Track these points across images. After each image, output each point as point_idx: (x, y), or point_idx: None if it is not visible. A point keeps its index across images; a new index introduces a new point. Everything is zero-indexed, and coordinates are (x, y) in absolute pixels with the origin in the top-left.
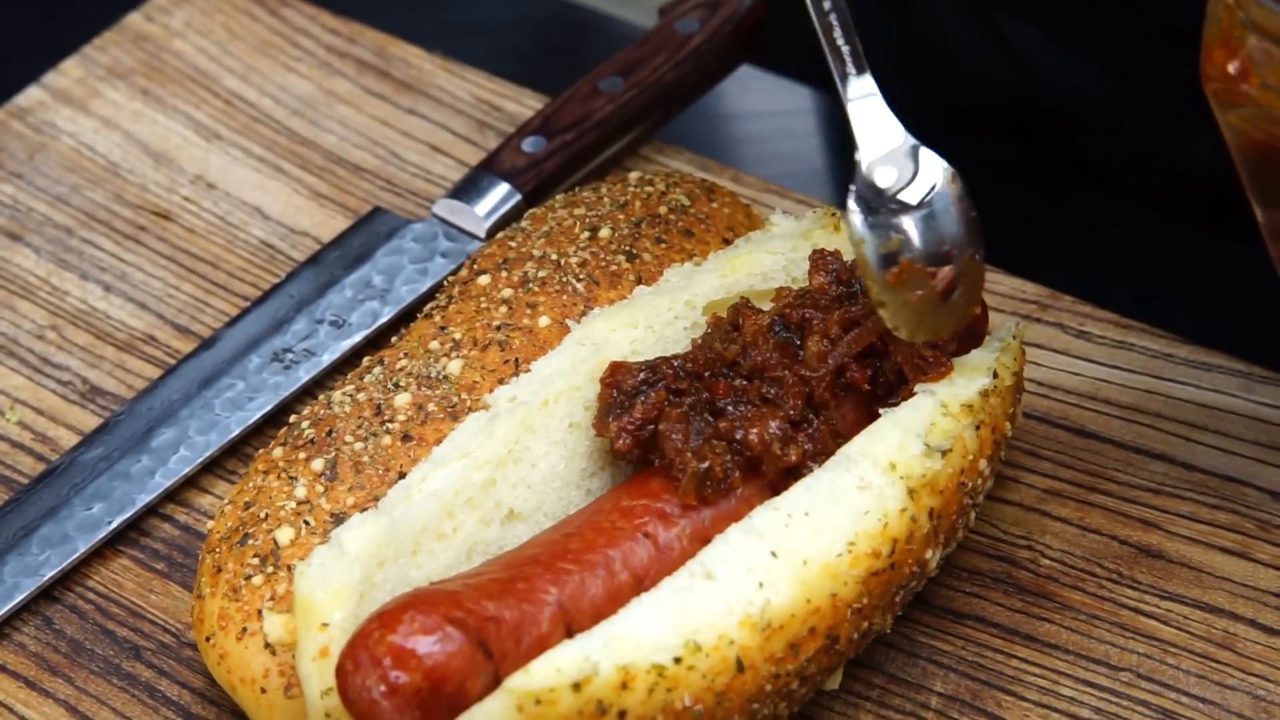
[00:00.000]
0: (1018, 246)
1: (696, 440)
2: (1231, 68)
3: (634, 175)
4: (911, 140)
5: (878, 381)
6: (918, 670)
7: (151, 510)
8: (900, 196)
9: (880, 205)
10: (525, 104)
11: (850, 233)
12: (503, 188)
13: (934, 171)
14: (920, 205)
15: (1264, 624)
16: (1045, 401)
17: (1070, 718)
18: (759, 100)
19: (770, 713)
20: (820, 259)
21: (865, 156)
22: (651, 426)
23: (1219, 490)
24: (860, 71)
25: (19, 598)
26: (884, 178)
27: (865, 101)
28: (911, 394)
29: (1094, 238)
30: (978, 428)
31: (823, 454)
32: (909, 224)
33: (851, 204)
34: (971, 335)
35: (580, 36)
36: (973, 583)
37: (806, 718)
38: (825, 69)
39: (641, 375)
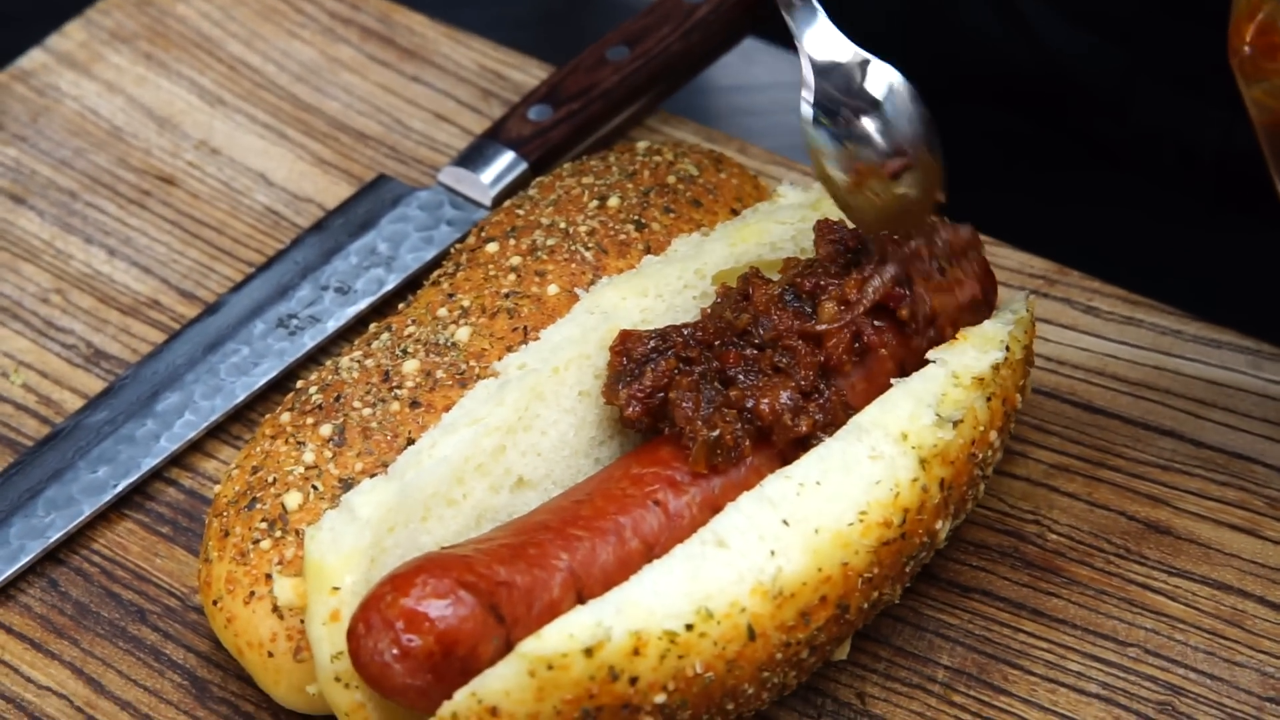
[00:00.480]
0: (1025, 222)
1: (707, 409)
2: (1260, 42)
3: (642, 145)
4: (861, 52)
5: (907, 328)
6: (924, 643)
7: (156, 474)
8: (854, 100)
9: (835, 109)
10: (530, 73)
11: (807, 141)
12: (508, 156)
13: (885, 76)
14: (874, 107)
15: (1273, 601)
16: (1053, 377)
17: (1077, 692)
18: (764, 73)
19: (780, 681)
20: (825, 228)
21: (817, 64)
22: (661, 395)
23: (1228, 467)
24: None
25: (25, 560)
26: (836, 83)
27: (811, 18)
28: (926, 360)
29: (1102, 214)
30: (989, 399)
31: (833, 425)
32: (864, 127)
33: (806, 112)
34: (983, 305)
35: (579, 6)
36: (980, 557)
37: (814, 689)
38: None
39: (651, 344)
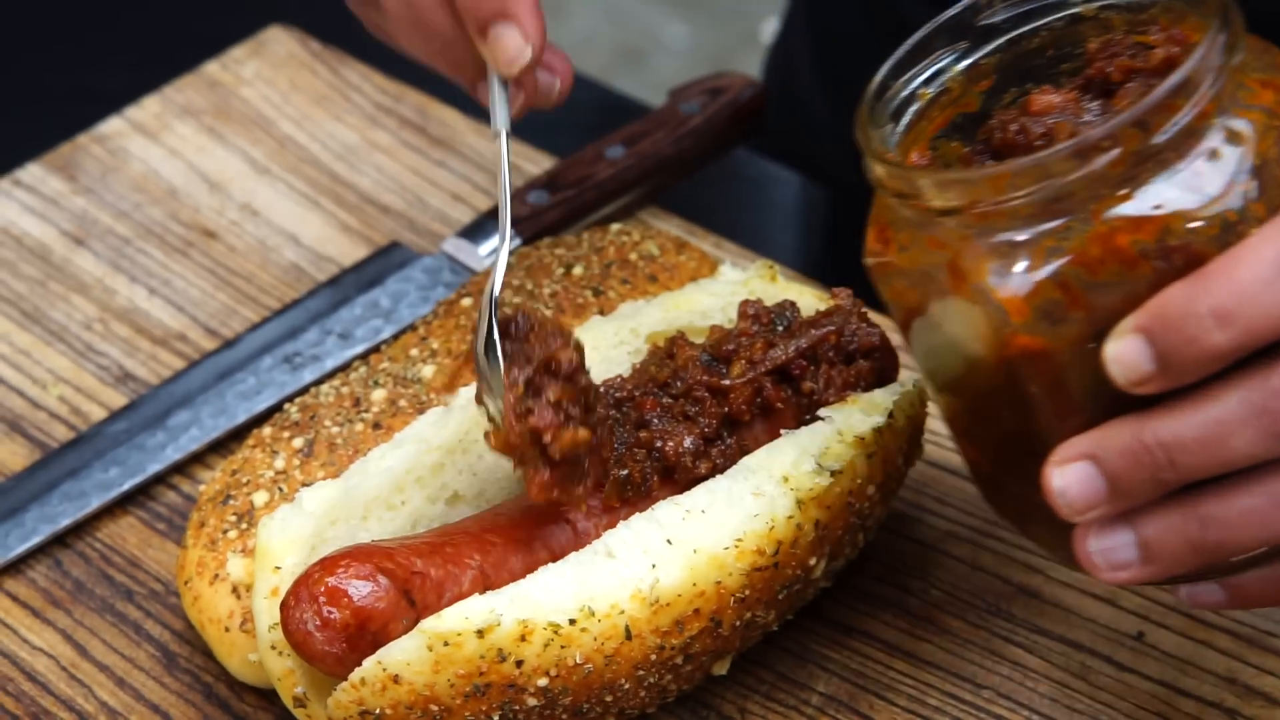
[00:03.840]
0: None
1: (619, 449)
2: (875, 245)
3: (615, 226)
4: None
5: (798, 404)
6: (805, 672)
7: (160, 479)
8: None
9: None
10: (541, 165)
11: (476, 364)
12: None
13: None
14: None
15: (1118, 661)
16: (958, 458)
17: None
18: (751, 180)
19: (656, 682)
20: (744, 307)
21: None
22: None
23: None
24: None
25: (35, 540)
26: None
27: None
28: (818, 418)
29: None
30: (869, 456)
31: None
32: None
33: (479, 348)
34: (882, 377)
35: (612, 122)
36: (867, 603)
37: (700, 702)
38: (821, 162)
39: None
